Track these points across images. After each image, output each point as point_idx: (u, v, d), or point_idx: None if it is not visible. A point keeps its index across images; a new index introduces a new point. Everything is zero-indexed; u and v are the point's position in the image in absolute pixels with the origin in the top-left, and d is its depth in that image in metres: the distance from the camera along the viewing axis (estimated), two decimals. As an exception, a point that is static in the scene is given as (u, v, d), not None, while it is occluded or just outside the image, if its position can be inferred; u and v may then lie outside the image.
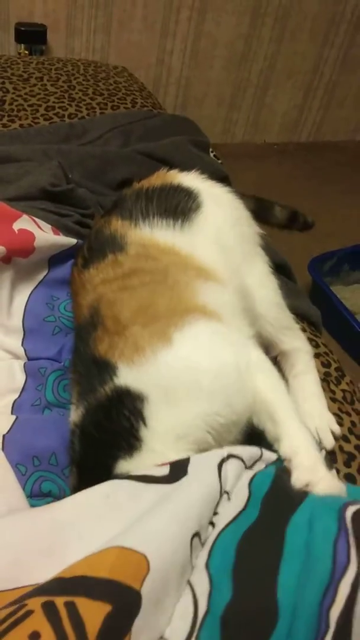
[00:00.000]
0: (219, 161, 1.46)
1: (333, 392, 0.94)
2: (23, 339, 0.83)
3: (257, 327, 0.87)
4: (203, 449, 0.63)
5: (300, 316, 1.03)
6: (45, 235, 0.88)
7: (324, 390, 0.90)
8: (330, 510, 0.54)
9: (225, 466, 0.58)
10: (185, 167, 0.99)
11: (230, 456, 0.60)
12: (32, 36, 2.29)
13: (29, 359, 0.82)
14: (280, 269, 1.06)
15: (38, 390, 0.78)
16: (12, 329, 0.84)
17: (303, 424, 0.68)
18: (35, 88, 1.51)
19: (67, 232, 0.97)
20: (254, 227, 0.97)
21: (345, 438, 0.86)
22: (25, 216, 0.89)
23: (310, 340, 0.99)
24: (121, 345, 0.67)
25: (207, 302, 0.73)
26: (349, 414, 0.91)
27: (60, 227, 0.97)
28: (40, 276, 0.89)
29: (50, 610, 0.40)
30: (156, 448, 0.62)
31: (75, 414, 0.67)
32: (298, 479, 0.61)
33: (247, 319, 0.83)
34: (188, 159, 1.27)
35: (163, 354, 0.65)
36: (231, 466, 0.59)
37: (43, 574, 0.46)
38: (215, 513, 0.55)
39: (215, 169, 1.28)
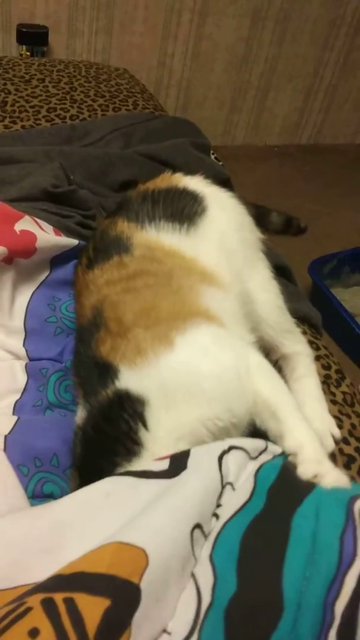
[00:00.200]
0: (220, 163, 1.46)
1: (333, 394, 0.94)
2: (24, 340, 0.83)
3: (259, 331, 0.88)
4: None
5: (300, 318, 1.03)
6: (46, 236, 0.89)
7: (324, 392, 0.91)
8: (338, 502, 0.54)
9: (226, 458, 0.58)
10: (186, 169, 0.99)
11: (231, 448, 0.60)
12: (33, 37, 2.30)
13: (30, 359, 0.82)
14: (281, 272, 1.06)
15: (39, 391, 0.78)
16: (14, 329, 0.84)
17: (306, 420, 0.68)
18: (36, 89, 1.51)
19: (69, 233, 0.98)
20: (256, 232, 0.98)
21: (345, 440, 0.86)
22: (27, 217, 0.89)
23: (310, 342, 0.99)
24: (123, 347, 0.67)
25: (209, 307, 0.73)
26: (349, 416, 0.91)
27: (61, 228, 0.97)
28: (42, 277, 0.89)
29: (49, 607, 0.41)
30: (156, 451, 0.62)
31: (79, 416, 0.67)
32: (305, 472, 0.61)
33: (249, 325, 0.84)
34: (189, 161, 1.27)
35: (165, 357, 0.65)
36: (232, 457, 0.59)
37: (43, 573, 0.46)
38: (219, 505, 0.55)
39: (217, 171, 1.28)
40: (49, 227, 0.93)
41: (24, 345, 0.83)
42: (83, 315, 0.77)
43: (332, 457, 0.82)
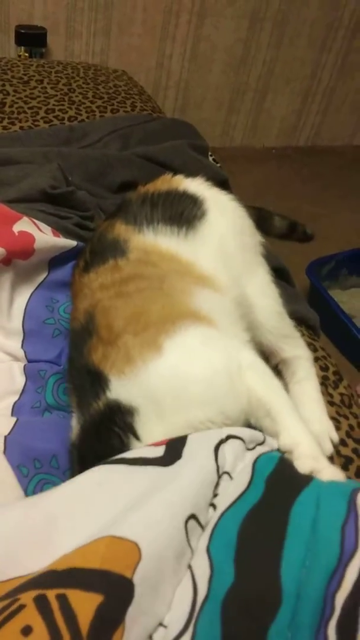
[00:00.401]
0: (218, 165, 1.46)
1: (331, 395, 0.94)
2: (23, 341, 0.83)
3: (258, 335, 0.87)
4: None
5: (298, 320, 1.04)
6: (45, 237, 0.89)
7: (322, 393, 0.91)
8: (340, 493, 0.53)
9: (223, 447, 0.57)
10: (184, 171, 0.99)
11: (229, 437, 0.59)
12: (32, 39, 2.30)
13: (28, 361, 0.82)
14: (279, 273, 1.06)
15: (38, 393, 0.78)
16: (12, 331, 0.84)
17: (302, 420, 0.68)
18: (35, 91, 1.51)
19: (67, 234, 0.98)
20: (256, 236, 0.97)
21: (342, 442, 0.86)
22: (25, 218, 0.89)
23: (308, 344, 0.99)
24: (113, 356, 0.67)
25: (200, 307, 0.73)
26: (346, 417, 0.91)
27: (60, 229, 0.97)
28: (40, 278, 0.89)
29: (42, 604, 0.40)
30: None
31: (73, 432, 0.67)
32: (301, 468, 0.60)
33: (244, 325, 0.83)
34: (187, 163, 1.27)
35: (153, 364, 0.64)
36: (229, 447, 0.58)
37: (36, 565, 0.46)
38: (215, 494, 0.54)
39: (215, 173, 1.28)
40: (47, 228, 0.93)
41: (22, 346, 0.83)
42: (76, 319, 0.77)
43: (330, 458, 0.82)
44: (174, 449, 0.56)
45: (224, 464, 0.57)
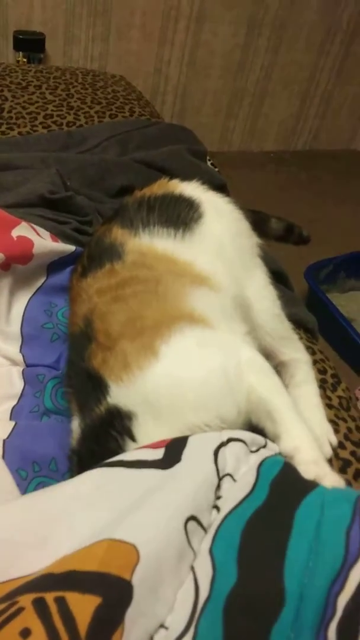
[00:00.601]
0: (216, 169, 1.47)
1: (329, 398, 0.95)
2: (21, 346, 0.84)
3: (257, 338, 0.87)
4: None
5: (296, 323, 1.04)
6: (43, 242, 0.89)
7: (320, 397, 0.91)
8: (344, 498, 0.53)
9: (223, 450, 0.57)
10: (182, 175, 0.99)
11: (230, 440, 0.59)
12: (30, 44, 2.31)
13: (27, 365, 0.82)
14: (277, 277, 1.06)
15: (36, 397, 0.79)
16: (11, 335, 0.84)
17: (303, 421, 0.68)
18: (33, 96, 1.52)
19: (66, 239, 0.98)
20: (254, 238, 0.97)
21: (341, 445, 0.86)
22: (24, 223, 0.89)
23: (306, 347, 0.99)
24: (112, 361, 0.67)
25: (195, 308, 0.72)
26: (345, 420, 0.91)
27: (58, 234, 0.97)
28: (39, 283, 0.90)
29: (40, 607, 0.41)
30: None
31: (74, 437, 0.67)
32: (306, 474, 0.60)
33: (241, 318, 0.83)
34: (185, 167, 1.28)
35: (150, 370, 0.64)
36: (230, 450, 0.58)
37: (34, 566, 0.46)
38: (218, 497, 0.54)
39: (213, 177, 1.29)
40: (45, 233, 0.93)
41: (20, 351, 0.83)
42: (75, 324, 0.77)
43: (329, 461, 0.82)
44: (173, 452, 0.56)
45: (224, 467, 0.56)
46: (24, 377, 0.81)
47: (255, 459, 0.59)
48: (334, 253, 2.15)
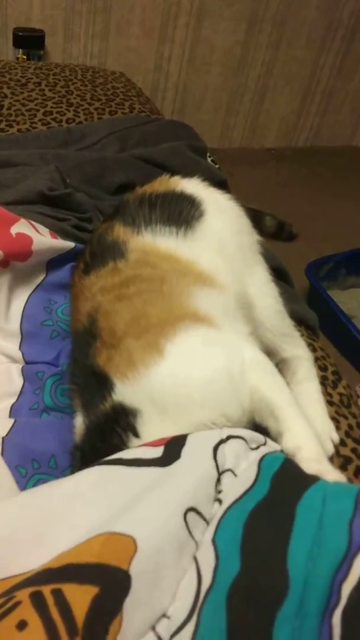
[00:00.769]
0: (217, 166, 1.46)
1: (330, 395, 0.94)
2: (21, 343, 0.83)
3: (258, 335, 0.87)
4: None
5: (297, 320, 1.04)
6: (42, 238, 0.89)
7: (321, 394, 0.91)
8: (346, 492, 0.53)
9: (222, 447, 0.57)
10: (182, 172, 0.99)
11: (229, 437, 0.59)
12: (30, 41, 2.30)
13: (26, 362, 0.82)
14: (278, 274, 1.06)
15: (35, 394, 0.78)
16: (10, 332, 0.84)
17: (305, 418, 0.68)
18: (33, 93, 1.51)
19: (65, 236, 0.98)
20: (254, 235, 0.97)
21: (341, 442, 0.86)
22: (23, 220, 0.89)
23: (307, 344, 0.99)
24: (117, 359, 0.67)
25: (198, 307, 0.72)
26: (345, 417, 0.91)
27: (57, 231, 0.97)
28: (38, 280, 0.89)
29: (37, 599, 0.41)
30: None
31: (77, 433, 0.67)
32: (307, 470, 0.60)
33: (244, 319, 0.83)
34: (185, 164, 1.27)
35: (155, 368, 0.64)
36: (230, 446, 0.58)
37: (33, 563, 0.46)
38: (219, 490, 0.54)
39: (213, 174, 1.29)
40: (45, 230, 0.93)
41: (20, 348, 0.83)
42: (79, 321, 0.77)
43: (330, 459, 0.82)
44: (173, 449, 0.56)
45: (224, 462, 0.57)
46: (23, 375, 0.81)
47: (256, 455, 0.59)
48: (334, 250, 2.14)
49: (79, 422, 0.68)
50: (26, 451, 0.69)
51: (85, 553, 0.44)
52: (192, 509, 0.50)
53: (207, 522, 0.52)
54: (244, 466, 0.57)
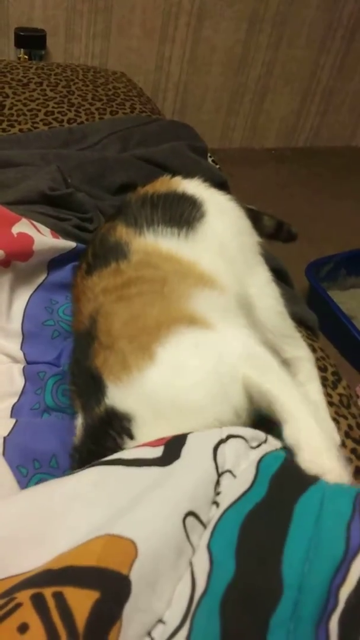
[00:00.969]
0: (217, 166, 1.46)
1: (330, 396, 0.95)
2: (22, 343, 0.83)
3: (259, 335, 0.87)
4: None
5: (297, 321, 1.04)
6: (44, 238, 0.89)
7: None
8: (344, 493, 0.53)
9: (222, 447, 0.57)
10: (183, 172, 0.99)
11: (230, 437, 0.59)
12: (31, 41, 2.30)
13: (27, 362, 0.82)
14: (278, 274, 1.06)
15: (37, 394, 0.79)
16: (12, 332, 0.84)
17: (308, 410, 0.66)
18: (34, 93, 1.52)
19: (66, 235, 0.98)
20: (255, 236, 0.97)
21: (341, 442, 0.86)
22: (24, 220, 0.89)
23: (307, 344, 1.00)
24: (111, 361, 0.66)
25: (198, 309, 0.72)
26: (345, 418, 0.91)
27: (59, 231, 0.97)
28: (40, 280, 0.90)
29: (38, 602, 0.41)
30: None
31: (77, 435, 0.67)
32: (307, 469, 0.59)
33: (245, 320, 0.83)
34: (186, 164, 1.28)
35: (147, 372, 0.64)
36: (230, 446, 0.58)
37: (33, 563, 0.46)
38: (218, 493, 0.54)
39: (214, 174, 1.29)
40: (46, 230, 0.93)
41: (21, 348, 0.83)
42: (81, 322, 0.76)
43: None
44: (172, 449, 0.56)
45: (224, 463, 0.56)
46: (24, 375, 0.81)
47: (256, 455, 0.59)
48: (334, 250, 2.14)
49: (79, 423, 0.68)
50: (27, 451, 0.69)
51: (86, 555, 0.44)
52: (191, 513, 0.50)
53: (205, 526, 0.52)
54: (243, 466, 0.57)
